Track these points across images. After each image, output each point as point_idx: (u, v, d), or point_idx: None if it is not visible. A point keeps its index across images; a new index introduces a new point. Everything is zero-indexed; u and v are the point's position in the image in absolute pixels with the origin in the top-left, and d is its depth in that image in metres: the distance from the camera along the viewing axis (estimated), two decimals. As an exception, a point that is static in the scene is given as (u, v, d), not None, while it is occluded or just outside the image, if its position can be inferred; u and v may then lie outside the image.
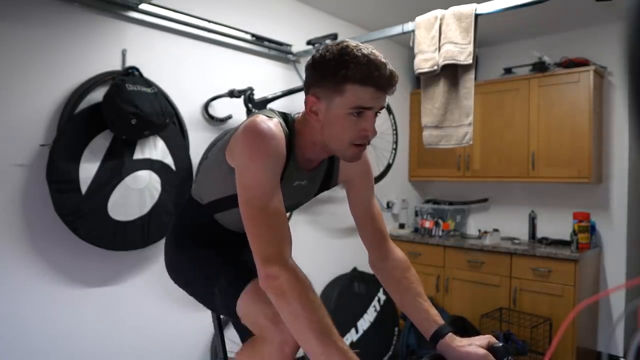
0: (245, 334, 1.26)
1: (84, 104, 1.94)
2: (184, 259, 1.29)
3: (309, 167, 1.18)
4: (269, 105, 2.50)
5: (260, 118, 1.04)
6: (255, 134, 1.01)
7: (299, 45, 2.85)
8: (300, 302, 0.89)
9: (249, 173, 1.00)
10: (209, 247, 1.26)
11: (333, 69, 0.99)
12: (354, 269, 3.19)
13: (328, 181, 1.28)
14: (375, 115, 1.05)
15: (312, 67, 1.05)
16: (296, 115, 1.15)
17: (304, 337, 0.88)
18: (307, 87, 1.07)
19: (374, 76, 0.98)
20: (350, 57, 0.99)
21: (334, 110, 1.02)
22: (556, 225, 3.33)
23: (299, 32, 2.88)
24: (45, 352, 1.86)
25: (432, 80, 2.25)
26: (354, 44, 1.01)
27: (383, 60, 1.01)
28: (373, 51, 1.01)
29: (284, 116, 1.13)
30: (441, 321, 1.15)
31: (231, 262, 1.22)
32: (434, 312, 1.17)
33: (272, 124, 1.03)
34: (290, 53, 2.85)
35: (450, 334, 1.12)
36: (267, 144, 1.00)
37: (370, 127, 1.04)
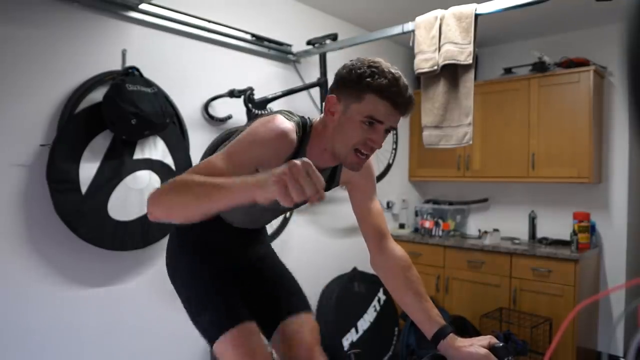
0: None
1: (84, 104, 1.94)
2: (182, 274, 1.32)
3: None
4: (269, 105, 2.50)
5: (279, 116, 1.08)
6: (265, 125, 1.04)
7: (299, 45, 2.85)
8: (171, 190, 0.89)
9: (235, 144, 1.02)
10: (209, 265, 1.29)
11: (359, 76, 1.04)
12: (354, 269, 3.19)
13: (331, 182, 1.30)
14: (386, 133, 1.09)
15: (342, 72, 1.10)
16: (314, 120, 1.18)
17: (189, 205, 0.87)
18: (332, 89, 1.12)
19: (393, 92, 1.03)
20: (378, 70, 1.04)
21: (349, 114, 1.06)
22: (556, 225, 3.33)
23: (299, 32, 2.88)
24: (45, 352, 1.86)
25: (432, 80, 2.25)
26: (385, 63, 1.07)
27: (406, 83, 1.06)
28: (400, 73, 1.07)
29: (302, 119, 1.16)
30: (442, 322, 1.16)
31: (222, 295, 1.26)
32: (435, 312, 1.18)
33: (288, 125, 1.06)
34: (290, 53, 2.85)
35: (451, 334, 1.12)
36: (267, 136, 1.03)
37: (377, 140, 1.07)
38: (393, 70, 1.05)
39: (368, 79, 1.03)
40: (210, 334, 1.19)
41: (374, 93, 1.03)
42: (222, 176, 0.91)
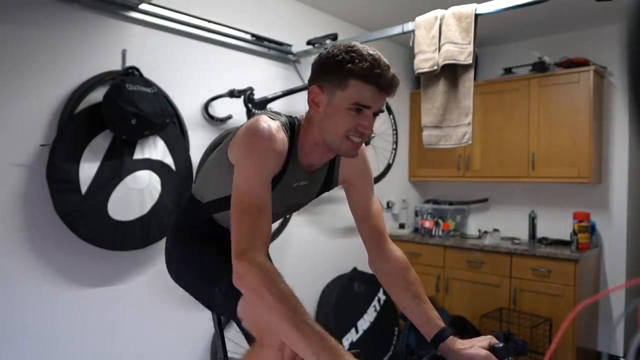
0: (248, 334, 1.26)
1: (84, 104, 1.94)
2: (184, 258, 1.29)
3: (310, 169, 1.20)
4: (269, 105, 2.50)
5: (263, 118, 1.06)
6: (253, 132, 1.04)
7: (299, 45, 2.85)
8: (273, 295, 0.91)
9: (242, 169, 1.03)
10: (210, 245, 1.26)
11: (339, 64, 1.03)
12: (354, 269, 3.19)
13: (329, 182, 1.29)
14: (374, 116, 1.08)
15: (318, 61, 1.09)
16: (301, 117, 1.17)
17: (281, 328, 0.90)
18: (312, 79, 1.10)
19: (376, 74, 1.02)
20: (357, 54, 1.03)
21: (334, 103, 1.05)
22: (556, 225, 3.33)
23: (299, 32, 2.88)
24: (44, 352, 1.86)
25: (432, 80, 2.25)
26: (361, 45, 1.06)
27: (387, 62, 1.05)
28: (379, 53, 1.05)
29: (290, 119, 1.15)
30: (442, 323, 1.15)
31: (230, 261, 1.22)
32: (434, 314, 1.18)
33: (273, 125, 1.05)
34: (290, 53, 2.85)
35: (451, 336, 1.12)
36: (262, 144, 1.02)
37: (367, 125, 1.06)
38: (372, 52, 1.03)
39: (349, 65, 1.01)
40: (234, 294, 1.07)
41: (358, 79, 1.01)
42: (261, 203, 0.99)
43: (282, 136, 1.06)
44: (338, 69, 1.03)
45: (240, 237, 0.97)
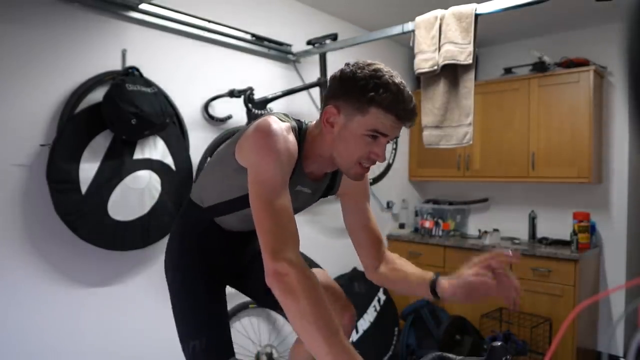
0: None
1: (84, 104, 1.94)
2: (180, 291, 1.32)
3: (312, 177, 1.20)
4: (269, 105, 2.50)
5: (273, 119, 1.05)
6: (267, 132, 1.01)
7: (299, 45, 2.85)
8: (309, 300, 0.88)
9: (260, 169, 1.00)
10: (208, 281, 1.30)
11: (362, 89, 1.01)
12: (354, 269, 3.19)
13: (329, 190, 1.31)
14: (388, 142, 1.08)
15: (339, 80, 1.06)
16: (309, 123, 1.16)
17: (310, 335, 0.88)
18: (329, 98, 1.08)
19: (399, 107, 1.01)
20: (382, 82, 1.00)
21: (351, 127, 1.04)
22: (556, 225, 3.33)
23: (299, 32, 2.88)
24: (44, 353, 1.86)
25: (432, 80, 2.25)
26: (386, 69, 1.04)
27: (410, 93, 1.04)
28: (402, 82, 1.04)
29: (298, 123, 1.14)
30: (429, 277, 1.21)
31: (218, 325, 1.28)
32: (427, 275, 1.22)
33: (284, 126, 1.04)
34: (290, 53, 2.85)
35: (439, 278, 1.19)
36: (278, 143, 1.00)
37: (381, 153, 1.06)
38: (397, 81, 1.02)
39: (372, 93, 0.99)
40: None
41: (379, 107, 1.00)
42: (287, 203, 0.97)
43: (293, 139, 1.05)
44: (361, 94, 1.01)
45: (273, 236, 0.94)
